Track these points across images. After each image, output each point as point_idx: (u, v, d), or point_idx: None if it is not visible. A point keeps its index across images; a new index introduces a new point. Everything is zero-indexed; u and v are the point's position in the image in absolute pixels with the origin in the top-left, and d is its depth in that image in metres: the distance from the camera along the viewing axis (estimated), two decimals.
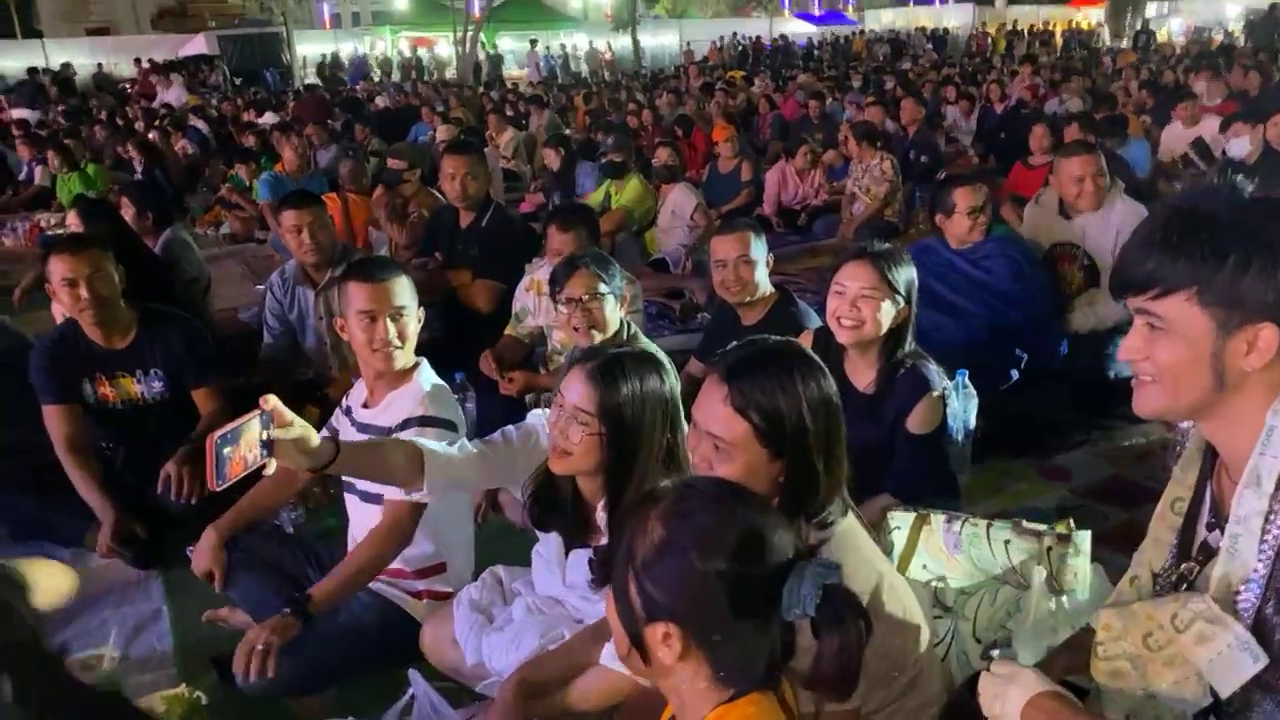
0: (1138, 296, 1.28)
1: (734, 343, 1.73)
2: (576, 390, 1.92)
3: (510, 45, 31.21)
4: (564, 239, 3.64)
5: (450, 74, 27.23)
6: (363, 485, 2.44)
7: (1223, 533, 1.33)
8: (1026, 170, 6.27)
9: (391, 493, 2.29)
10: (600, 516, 2.02)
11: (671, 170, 6.45)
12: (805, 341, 2.88)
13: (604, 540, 2.02)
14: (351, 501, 2.53)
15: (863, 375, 2.67)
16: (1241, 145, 6.35)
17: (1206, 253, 1.21)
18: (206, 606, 2.69)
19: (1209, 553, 1.37)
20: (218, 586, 2.51)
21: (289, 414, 1.72)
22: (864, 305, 2.55)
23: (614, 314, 2.95)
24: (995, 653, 2.11)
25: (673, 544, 1.20)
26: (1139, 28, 27.19)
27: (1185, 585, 1.40)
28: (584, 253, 3.11)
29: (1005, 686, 1.41)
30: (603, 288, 2.92)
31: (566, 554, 2.16)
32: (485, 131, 10.74)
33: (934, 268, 3.81)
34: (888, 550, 2.29)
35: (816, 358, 1.70)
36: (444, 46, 30.15)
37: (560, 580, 2.19)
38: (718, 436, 1.62)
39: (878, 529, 2.32)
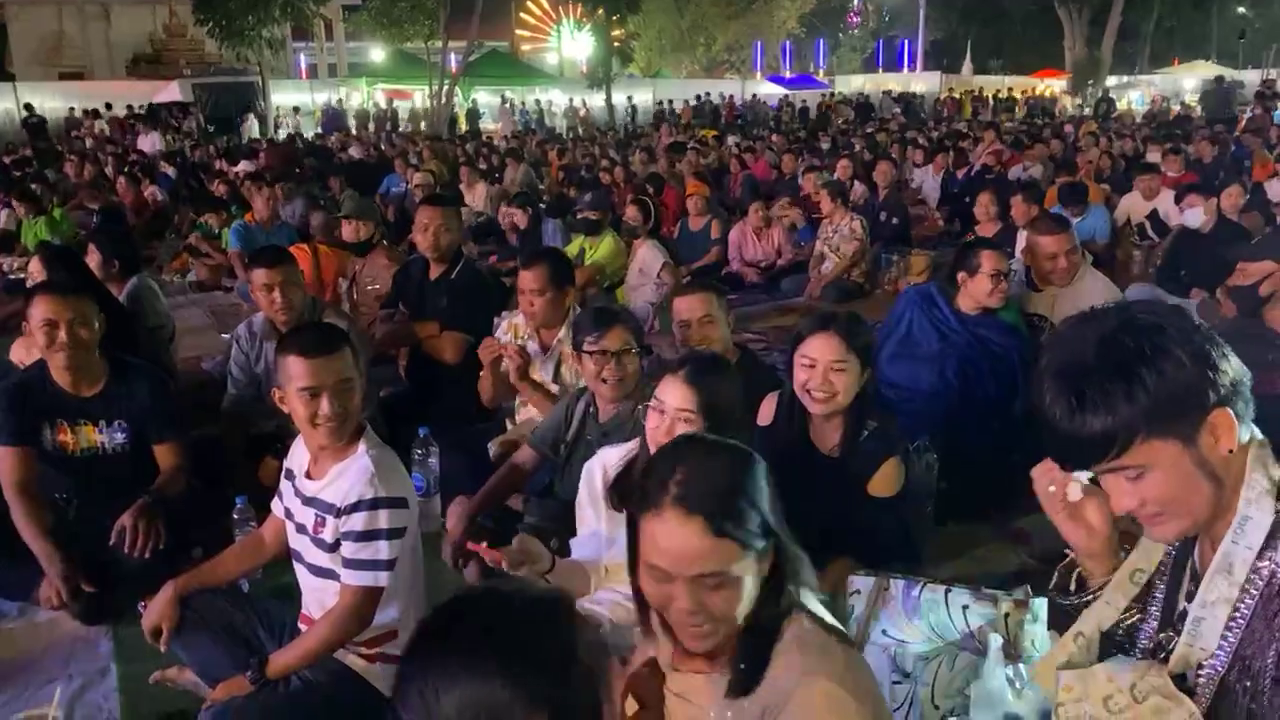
0: (1099, 465, 1.30)
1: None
2: (676, 393, 2.21)
3: (486, 99, 31.56)
4: (529, 275, 3.62)
5: (425, 126, 27.46)
6: (311, 558, 2.40)
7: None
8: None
9: (349, 575, 2.28)
10: None
11: (635, 229, 6.52)
12: (768, 407, 2.92)
13: None
14: (301, 573, 2.47)
15: (827, 439, 2.70)
16: (1196, 215, 6.54)
17: (1128, 391, 1.23)
18: (156, 666, 2.62)
19: (1181, 619, 1.39)
20: (163, 644, 2.46)
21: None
22: (835, 378, 2.60)
23: (638, 371, 3.01)
24: (953, 719, 2.13)
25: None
26: (1100, 97, 28.04)
27: (1163, 654, 1.42)
28: (618, 309, 3.16)
29: None
30: (633, 344, 2.95)
31: None
32: (459, 185, 10.82)
33: (930, 317, 3.90)
34: (847, 615, 2.30)
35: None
36: (420, 99, 30.44)
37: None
38: (711, 574, 1.45)
39: (838, 594, 2.33)
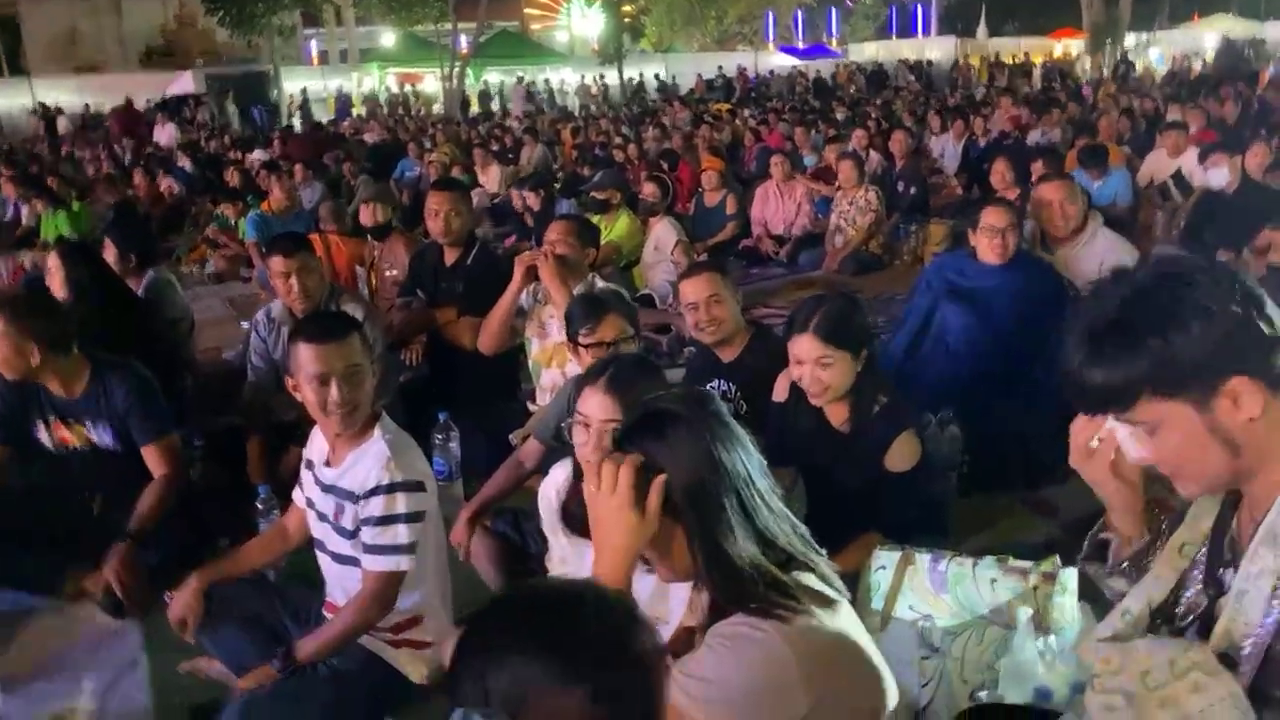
0: (1109, 414, 1.30)
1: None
2: (600, 404, 2.08)
3: (497, 80, 31.45)
4: (555, 227, 3.77)
5: (437, 109, 27.41)
6: (333, 546, 2.41)
7: (1235, 571, 1.32)
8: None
9: (370, 561, 2.29)
10: None
11: (654, 206, 6.48)
12: (784, 383, 2.89)
13: None
14: (324, 561, 2.49)
15: (838, 415, 2.69)
16: (1220, 175, 6.41)
17: (1135, 352, 1.23)
18: (185, 657, 2.65)
19: (1220, 589, 1.36)
20: (189, 635, 2.48)
21: None
22: (823, 374, 2.60)
23: None
24: (983, 694, 2.10)
25: None
26: (1118, 58, 27.57)
27: (1191, 618, 1.40)
28: (608, 295, 3.13)
29: None
30: (630, 330, 2.92)
31: None
32: (473, 167, 10.80)
33: (956, 278, 3.92)
34: (871, 590, 2.28)
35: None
36: (431, 82, 30.37)
37: None
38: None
39: (862, 569, 2.31)
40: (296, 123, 23.16)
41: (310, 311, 3.72)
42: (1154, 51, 31.11)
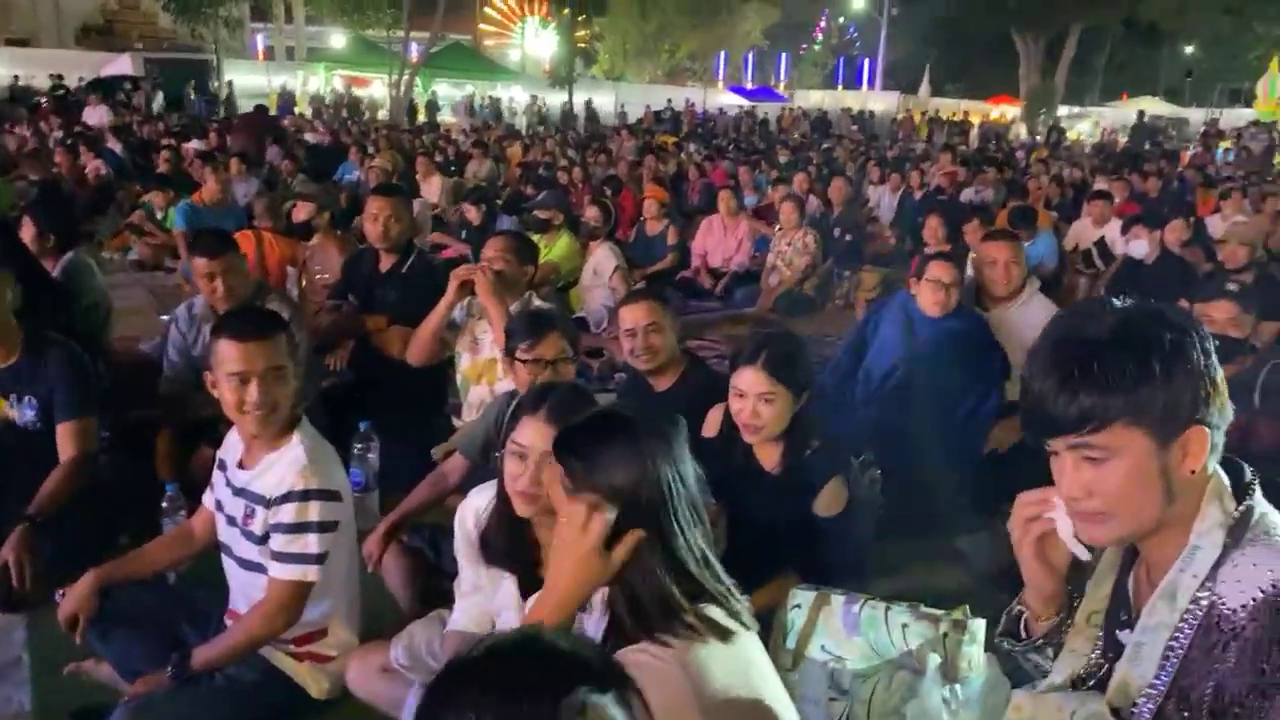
0: (1068, 436, 1.27)
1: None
2: (540, 435, 1.97)
3: (446, 92, 31.28)
4: (492, 243, 3.74)
5: (383, 115, 27.13)
6: (240, 551, 2.34)
7: (1131, 630, 1.35)
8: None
9: (277, 569, 2.22)
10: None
11: (595, 229, 6.49)
12: (715, 416, 2.90)
13: None
14: (229, 566, 2.41)
15: (770, 456, 2.69)
16: (1141, 247, 6.68)
17: (1136, 377, 1.23)
18: (71, 657, 2.52)
19: (1118, 650, 1.39)
20: (79, 635, 2.37)
21: None
22: (763, 409, 2.60)
23: (573, 378, 2.94)
24: None
25: None
26: (1051, 127, 28.64)
27: (1093, 682, 1.42)
28: (553, 314, 3.09)
29: None
30: (569, 351, 2.89)
31: (525, 596, 2.09)
32: (414, 176, 10.68)
33: (899, 323, 3.97)
34: (785, 628, 2.28)
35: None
36: (379, 87, 30.07)
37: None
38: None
39: (778, 607, 2.32)
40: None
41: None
42: (1084, 124, 32.38)
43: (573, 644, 1.06)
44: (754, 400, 2.59)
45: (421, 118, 26.45)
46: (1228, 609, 1.25)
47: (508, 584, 2.11)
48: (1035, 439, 1.33)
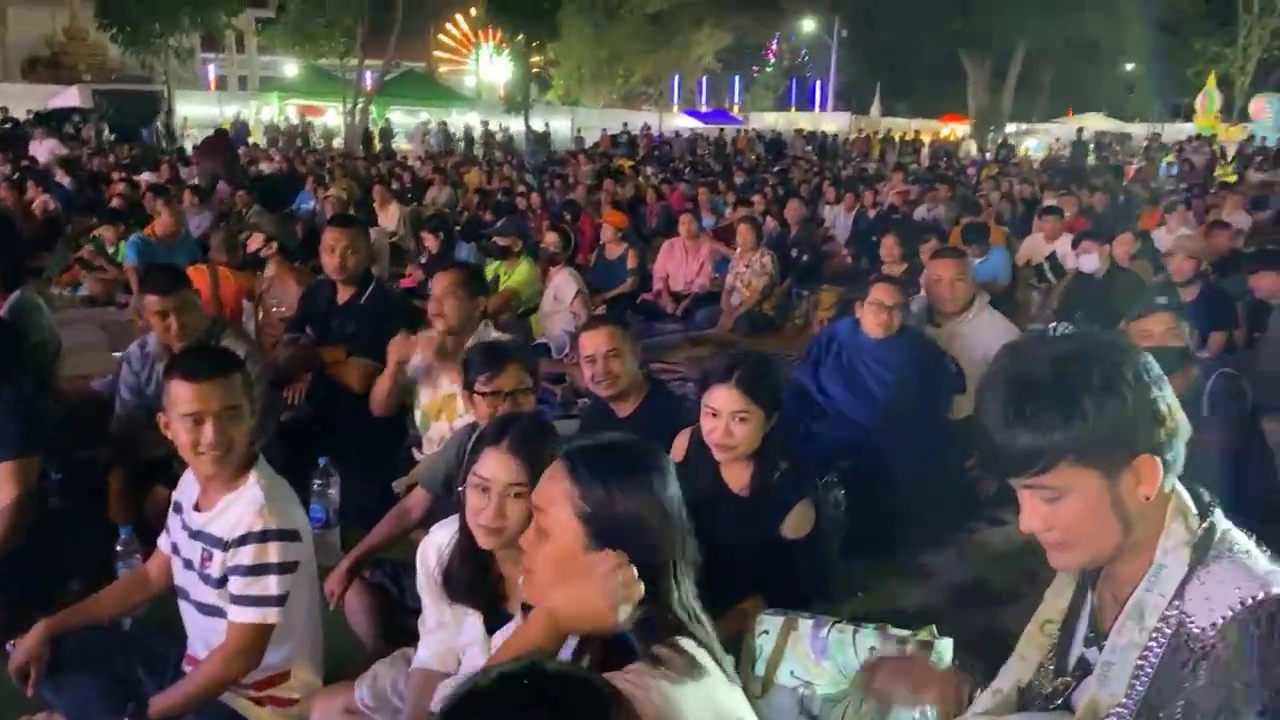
0: (1021, 476, 1.30)
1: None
2: (503, 467, 1.94)
3: (400, 119, 31.18)
4: (439, 279, 3.69)
5: (338, 144, 26.97)
6: (197, 595, 2.29)
7: (1100, 650, 1.36)
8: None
9: (236, 612, 2.17)
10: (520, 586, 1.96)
11: (555, 255, 6.49)
12: (681, 443, 2.89)
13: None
14: (187, 611, 2.35)
15: (738, 478, 2.68)
16: (1091, 261, 6.80)
17: (1067, 417, 1.24)
18: (23, 710, 2.44)
19: (1085, 668, 1.40)
20: (30, 686, 2.29)
21: None
22: (737, 429, 2.59)
23: (533, 409, 2.92)
24: None
25: None
26: (1000, 143, 29.19)
27: (1060, 700, 1.43)
28: (510, 345, 3.07)
29: None
30: (528, 381, 2.87)
31: (490, 632, 2.07)
32: (371, 204, 10.63)
33: (849, 345, 3.99)
34: (754, 655, 2.28)
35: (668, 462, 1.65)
36: (333, 116, 29.90)
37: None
38: (542, 511, 1.52)
39: (746, 633, 2.31)
40: (188, 145, 22.44)
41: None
42: (1032, 140, 33.04)
43: (576, 670, 1.08)
44: (727, 419, 2.58)
45: (376, 145, 26.34)
46: (1197, 628, 1.26)
47: (472, 620, 2.09)
48: (993, 478, 1.36)
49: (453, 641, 2.16)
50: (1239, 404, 3.31)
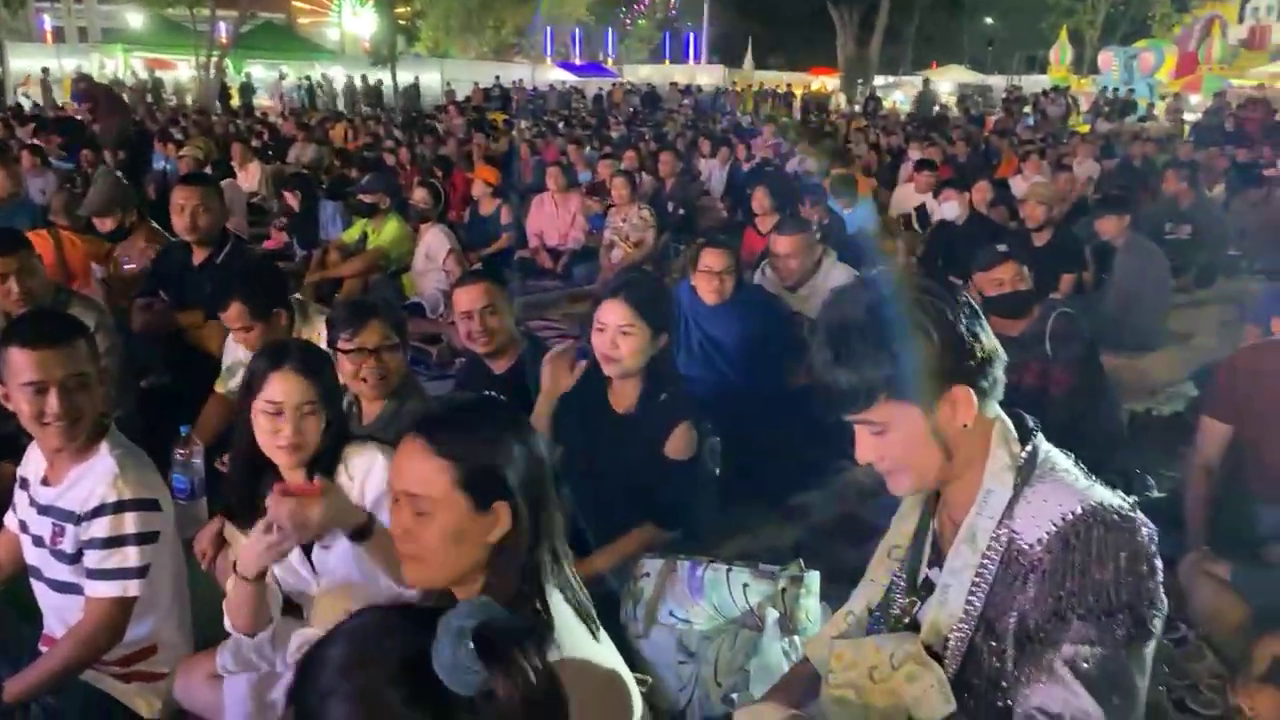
0: (848, 413, 1.39)
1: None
2: (294, 387, 2.04)
3: (261, 74, 29.76)
4: (228, 315, 3.28)
5: (191, 100, 25.59)
6: (50, 573, 2.19)
7: (940, 569, 1.45)
8: (759, 236, 6.34)
9: (95, 587, 2.09)
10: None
11: (425, 212, 6.34)
12: (577, 371, 2.91)
13: None
14: (41, 590, 2.25)
15: (624, 398, 2.75)
16: (952, 209, 7.08)
17: (879, 356, 1.33)
18: None
19: (930, 588, 1.48)
20: None
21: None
22: (623, 342, 2.64)
23: (402, 366, 2.85)
24: (735, 696, 2.19)
25: None
26: (868, 95, 29.89)
27: (907, 619, 1.51)
28: (373, 301, 2.99)
29: None
30: (394, 338, 2.81)
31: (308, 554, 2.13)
32: (230, 163, 10.16)
33: (689, 309, 4.01)
34: (636, 597, 2.33)
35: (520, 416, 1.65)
36: (185, 71, 28.30)
37: (313, 582, 2.15)
38: (418, 495, 1.47)
39: (633, 574, 2.36)
40: (25, 102, 20.92)
41: None
42: (898, 93, 33.95)
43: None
44: (614, 332, 2.63)
45: (235, 102, 25.11)
46: (1025, 543, 1.36)
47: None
48: (826, 415, 1.43)
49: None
50: (1077, 342, 3.52)
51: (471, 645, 0.95)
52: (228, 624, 2.04)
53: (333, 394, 2.17)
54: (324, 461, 2.11)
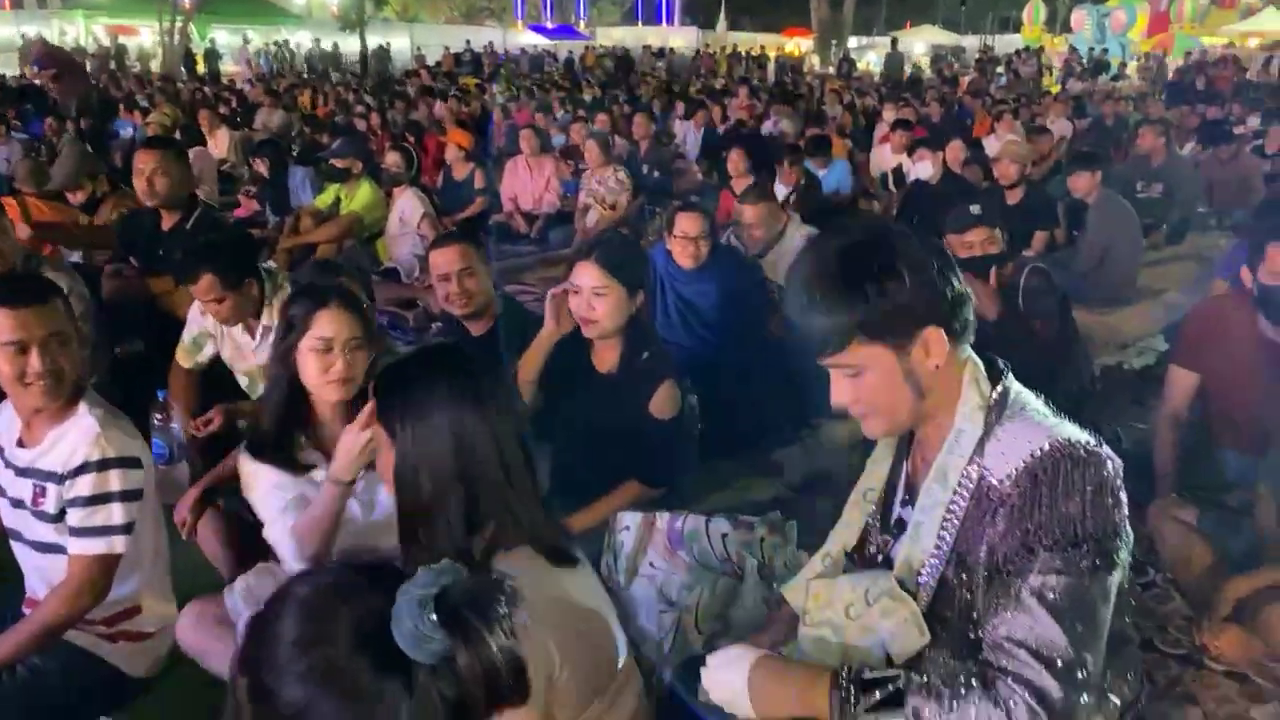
0: (822, 357, 1.42)
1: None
2: (343, 323, 2.15)
3: (226, 39, 29.21)
4: (198, 289, 3.23)
5: (156, 67, 25.10)
6: (32, 534, 2.19)
7: (913, 507, 1.48)
8: (735, 199, 6.47)
9: (78, 545, 2.09)
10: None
11: (398, 176, 6.29)
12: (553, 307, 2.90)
13: None
14: (22, 551, 2.25)
15: (607, 359, 2.77)
16: (925, 168, 7.10)
17: (851, 300, 1.36)
18: None
19: (903, 527, 1.52)
20: None
21: None
22: (597, 303, 2.64)
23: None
24: (718, 643, 2.23)
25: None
26: (842, 57, 29.76)
27: (881, 557, 1.55)
28: (335, 284, 2.93)
29: (725, 670, 1.49)
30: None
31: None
32: (197, 130, 10.01)
33: (665, 273, 4.01)
34: (617, 551, 2.36)
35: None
36: (149, 37, 27.73)
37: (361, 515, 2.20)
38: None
39: (612, 527, 2.39)
40: None
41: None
42: (872, 54, 33.82)
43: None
44: (588, 294, 2.64)
45: (201, 68, 24.66)
46: (995, 479, 1.39)
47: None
48: (803, 365, 1.46)
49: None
50: (1049, 297, 3.57)
51: (433, 614, 0.94)
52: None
53: (372, 329, 2.29)
54: (361, 399, 2.11)
